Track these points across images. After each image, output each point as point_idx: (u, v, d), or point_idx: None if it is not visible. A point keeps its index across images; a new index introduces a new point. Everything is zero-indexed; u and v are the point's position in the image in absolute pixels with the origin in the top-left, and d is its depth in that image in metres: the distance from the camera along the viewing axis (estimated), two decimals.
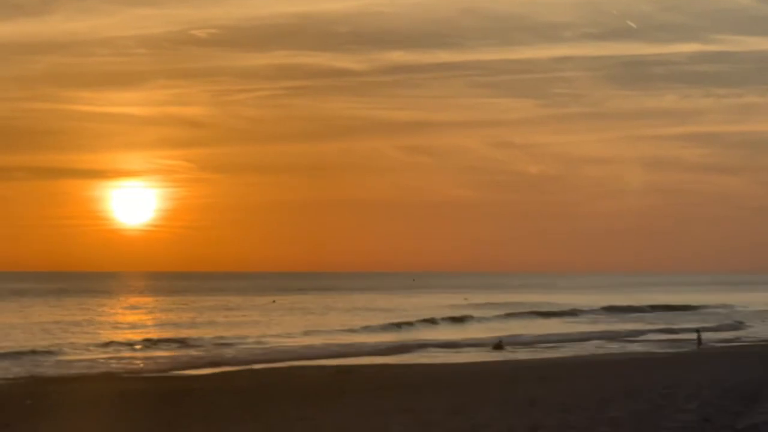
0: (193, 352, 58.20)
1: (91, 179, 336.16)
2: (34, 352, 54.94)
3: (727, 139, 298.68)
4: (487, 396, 28.29)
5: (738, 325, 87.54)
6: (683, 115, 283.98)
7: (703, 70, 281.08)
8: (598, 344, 64.59)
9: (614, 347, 61.84)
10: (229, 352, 57.77)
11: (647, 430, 19.82)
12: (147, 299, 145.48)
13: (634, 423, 20.59)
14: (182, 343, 63.59)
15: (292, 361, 51.82)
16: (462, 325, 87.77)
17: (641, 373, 35.41)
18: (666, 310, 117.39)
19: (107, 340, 65.40)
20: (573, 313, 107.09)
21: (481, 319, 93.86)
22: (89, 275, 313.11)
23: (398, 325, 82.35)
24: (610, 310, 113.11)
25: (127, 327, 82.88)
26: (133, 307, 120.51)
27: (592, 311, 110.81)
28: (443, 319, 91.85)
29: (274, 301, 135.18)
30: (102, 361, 52.09)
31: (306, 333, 73.55)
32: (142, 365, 50.62)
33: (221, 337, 67.78)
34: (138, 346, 61.62)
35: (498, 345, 61.40)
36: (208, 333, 72.29)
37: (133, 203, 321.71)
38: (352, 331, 76.81)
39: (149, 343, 63.25)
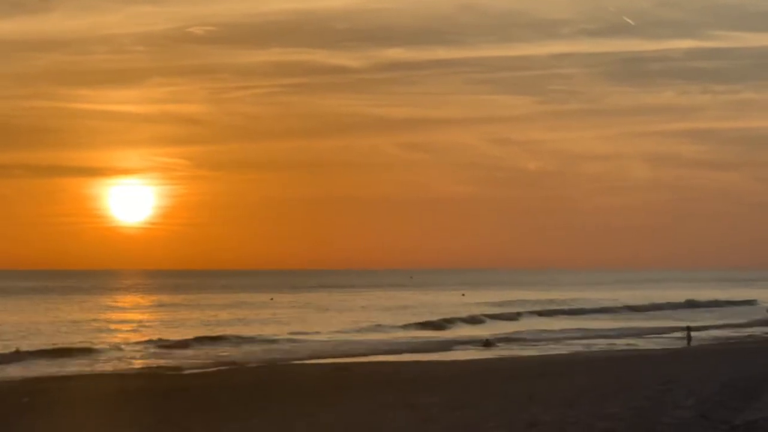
0: (266, 347, 59.03)
1: (89, 177, 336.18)
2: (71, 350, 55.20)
3: (725, 135, 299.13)
4: (486, 392, 28.32)
5: None
6: (681, 111, 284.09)
7: (700, 67, 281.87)
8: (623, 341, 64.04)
9: (632, 343, 61.50)
10: (308, 348, 58.51)
11: (645, 425, 19.87)
12: (167, 297, 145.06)
13: (632, 419, 20.64)
14: (250, 340, 63.85)
15: (377, 355, 52.97)
16: (511, 322, 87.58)
17: (640, 369, 35.44)
18: (690, 307, 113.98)
19: (155, 338, 64.70)
20: (602, 310, 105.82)
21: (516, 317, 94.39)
22: (88, 273, 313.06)
23: (440, 322, 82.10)
24: (635, 309, 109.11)
25: (166, 324, 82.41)
26: (159, 305, 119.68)
27: (621, 309, 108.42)
28: (486, 316, 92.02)
29: (271, 299, 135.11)
30: (163, 361, 51.56)
31: (359, 330, 74.31)
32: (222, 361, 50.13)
33: (291, 333, 68.90)
34: (195, 345, 60.57)
35: (487, 343, 61.27)
36: (256, 330, 72.23)
37: (131, 201, 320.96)
38: (399, 327, 77.53)
39: (213, 342, 62.25)
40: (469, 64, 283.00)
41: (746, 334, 69.40)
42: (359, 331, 73.95)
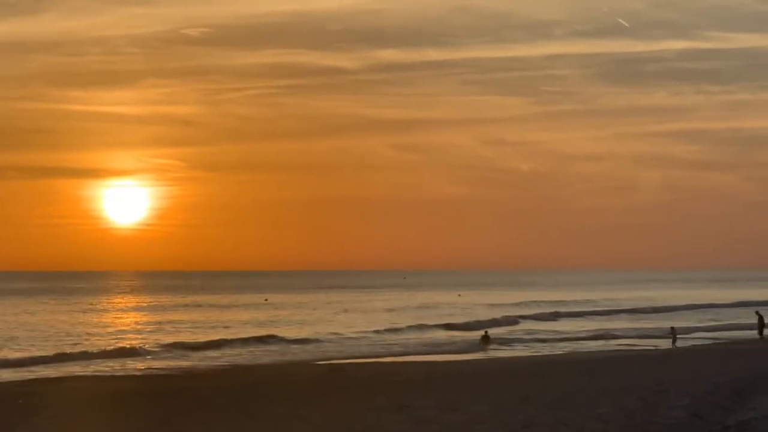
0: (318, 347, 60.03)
1: (83, 178, 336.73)
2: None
3: (718, 135, 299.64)
4: (481, 393, 28.40)
5: None
6: (674, 111, 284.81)
7: (694, 67, 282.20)
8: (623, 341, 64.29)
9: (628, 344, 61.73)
10: (366, 347, 59.74)
11: (639, 426, 19.96)
12: (166, 298, 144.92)
13: (625, 419, 20.72)
14: (302, 341, 64.03)
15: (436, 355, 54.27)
16: (553, 322, 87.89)
17: (633, 370, 35.55)
18: (683, 308, 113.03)
19: (183, 340, 64.52)
20: (596, 312, 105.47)
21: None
22: (82, 274, 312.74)
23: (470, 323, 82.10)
24: (629, 310, 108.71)
25: (165, 325, 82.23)
26: (178, 306, 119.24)
27: (615, 310, 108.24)
28: (524, 317, 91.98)
29: (266, 300, 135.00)
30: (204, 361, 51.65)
31: (401, 330, 74.70)
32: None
33: (337, 334, 69.61)
34: (249, 347, 60.65)
35: (485, 337, 61.39)
36: (298, 332, 72.20)
37: (126, 202, 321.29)
38: (443, 327, 78.36)
39: (214, 343, 62.07)
40: (463, 66, 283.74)
41: (738, 334, 69.56)
42: (395, 331, 73.72)
